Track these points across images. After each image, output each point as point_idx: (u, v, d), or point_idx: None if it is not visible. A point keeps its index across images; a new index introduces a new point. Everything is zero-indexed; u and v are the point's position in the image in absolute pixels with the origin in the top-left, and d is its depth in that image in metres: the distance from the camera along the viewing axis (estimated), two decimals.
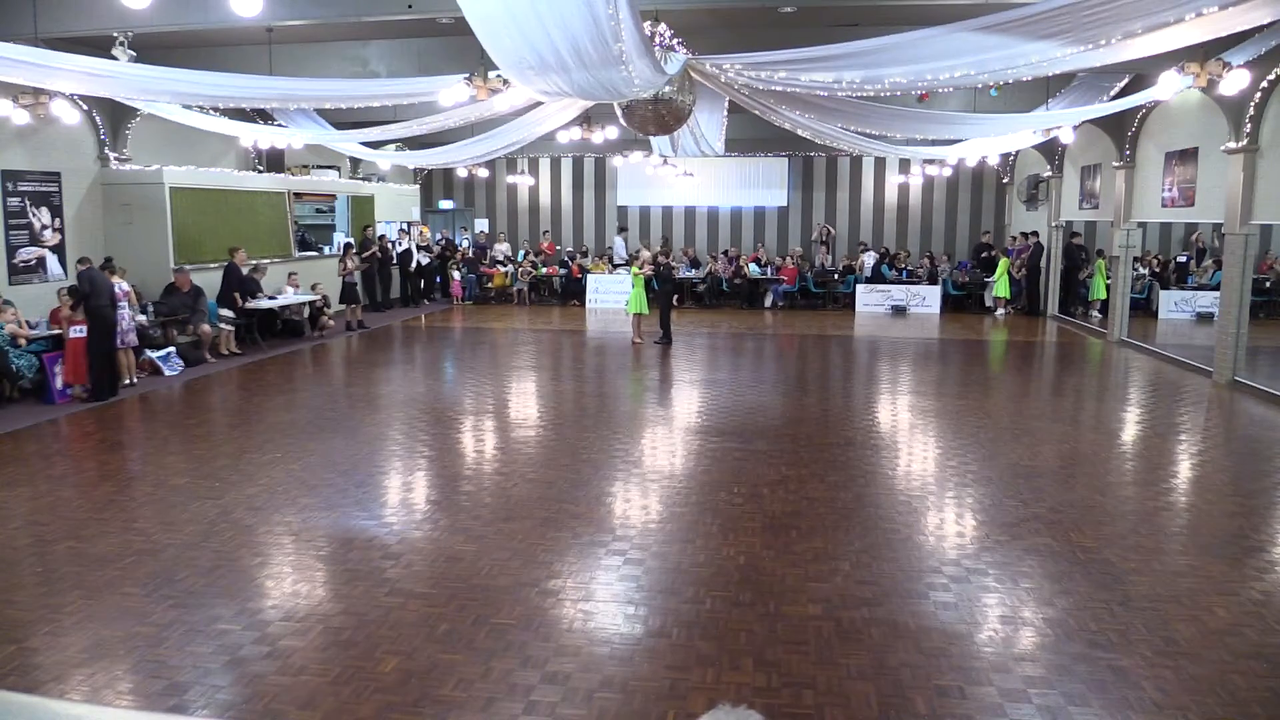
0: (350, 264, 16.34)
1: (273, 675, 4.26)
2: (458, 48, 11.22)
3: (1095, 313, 17.96)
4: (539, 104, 10.32)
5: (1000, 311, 19.03)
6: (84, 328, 10.23)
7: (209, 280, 13.52)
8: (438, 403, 10.60)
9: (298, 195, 17.15)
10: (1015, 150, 19.10)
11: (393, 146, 17.61)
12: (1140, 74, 12.02)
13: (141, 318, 11.88)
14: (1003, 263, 19.06)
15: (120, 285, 11.01)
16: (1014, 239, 20.14)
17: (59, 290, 11.17)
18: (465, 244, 22.53)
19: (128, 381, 11.01)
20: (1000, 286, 18.97)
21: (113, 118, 13.07)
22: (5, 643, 4.55)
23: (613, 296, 19.93)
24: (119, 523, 6.31)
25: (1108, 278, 17.31)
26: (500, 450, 8.50)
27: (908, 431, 9.37)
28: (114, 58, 9.13)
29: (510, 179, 23.73)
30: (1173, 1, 5.98)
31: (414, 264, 20.10)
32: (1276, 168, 10.63)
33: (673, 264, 17.15)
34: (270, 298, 14.32)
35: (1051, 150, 17.58)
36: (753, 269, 20.88)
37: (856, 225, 22.86)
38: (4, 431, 8.89)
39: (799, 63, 8.12)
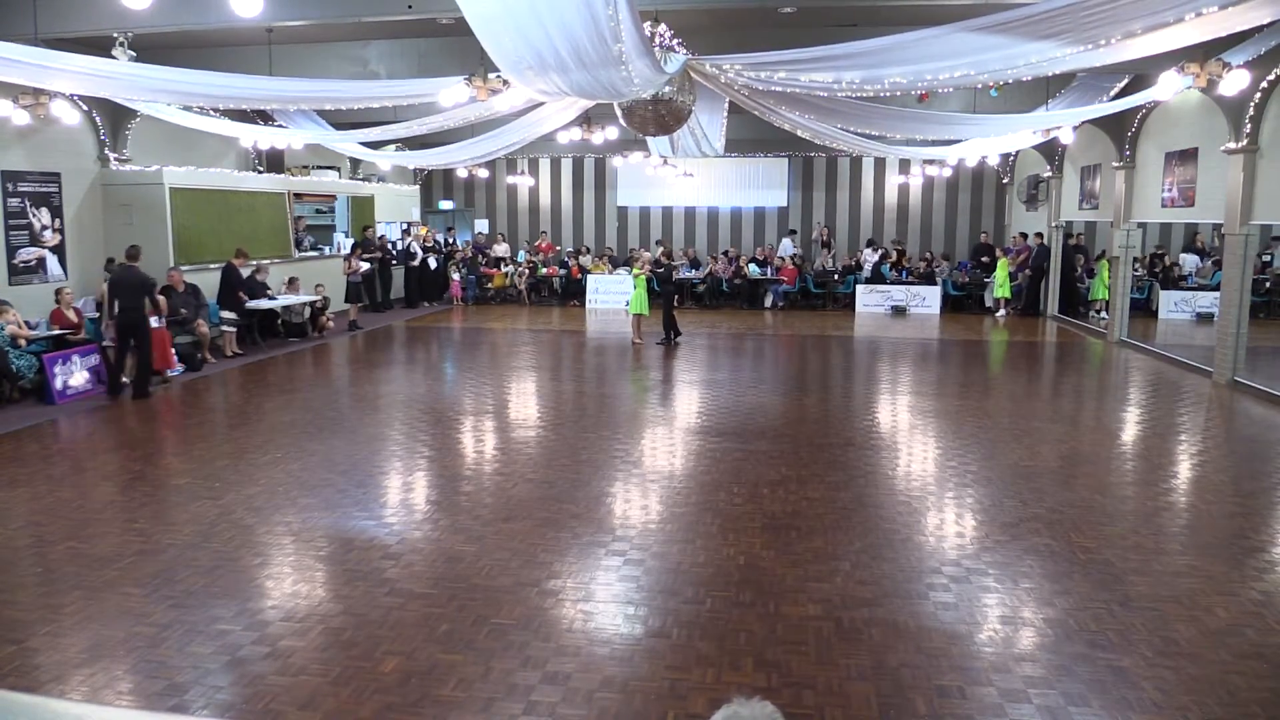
0: (354, 264, 16.35)
1: (273, 675, 4.26)
2: (458, 48, 11.23)
3: (1096, 313, 17.95)
4: (539, 104, 10.32)
5: (1001, 312, 19.02)
6: (161, 319, 10.99)
7: (209, 281, 13.52)
8: (438, 403, 10.60)
9: (298, 195, 17.15)
10: (1015, 150, 19.10)
11: (393, 147, 17.61)
12: (1140, 74, 12.02)
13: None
14: (1001, 263, 19.05)
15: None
16: (1015, 239, 20.16)
17: (58, 290, 11.20)
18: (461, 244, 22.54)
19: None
20: (1001, 287, 18.95)
21: (113, 118, 13.07)
22: (5, 643, 4.55)
23: (613, 297, 19.94)
24: (119, 523, 6.31)
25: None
26: (500, 450, 8.50)
27: (908, 432, 9.37)
28: (114, 58, 9.13)
29: (510, 179, 23.74)
30: (1173, 1, 5.98)
31: (414, 263, 20.10)
32: (1276, 167, 10.63)
33: (674, 264, 17.17)
34: (271, 298, 14.32)
35: (1051, 150, 17.58)
36: (752, 269, 20.88)
37: (857, 225, 22.86)
38: (4, 431, 8.89)
39: (799, 63, 8.13)
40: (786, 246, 21.88)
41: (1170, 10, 6.07)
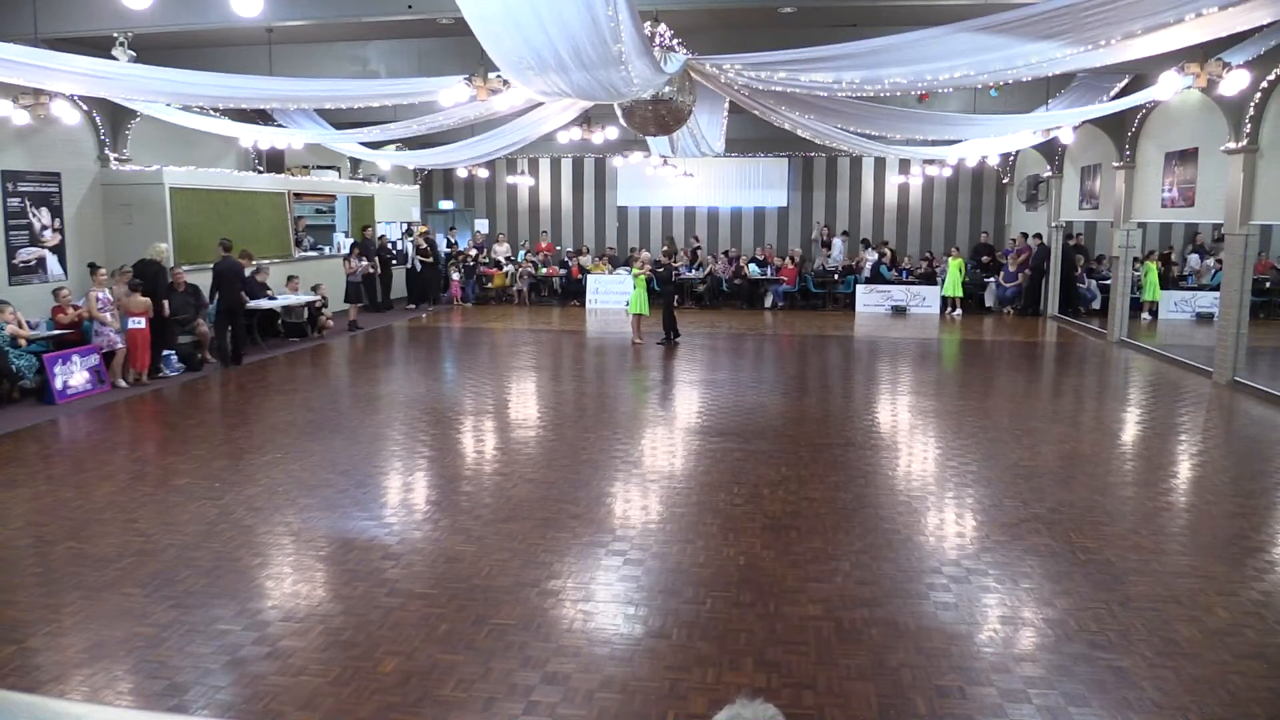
0: (355, 264, 16.36)
1: (273, 675, 4.26)
2: (458, 48, 11.23)
3: (1146, 315, 17.89)
4: (539, 104, 10.32)
5: (955, 311, 18.99)
6: (143, 319, 11.11)
7: (209, 281, 13.49)
8: (438, 403, 10.60)
9: (298, 195, 17.14)
10: (1015, 150, 19.10)
11: (393, 146, 17.60)
12: (1140, 74, 12.02)
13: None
14: (953, 263, 19.01)
15: (103, 294, 10.99)
16: (1015, 240, 20.16)
17: (56, 289, 11.17)
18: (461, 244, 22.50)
19: (122, 383, 11.01)
20: (951, 286, 18.95)
21: (113, 118, 13.07)
22: (5, 643, 4.55)
23: (613, 297, 19.94)
24: (119, 523, 6.31)
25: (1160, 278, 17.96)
26: (500, 451, 8.50)
27: (908, 432, 9.37)
28: (114, 58, 9.13)
29: (510, 179, 23.74)
30: (1173, 2, 5.98)
31: (410, 264, 20.04)
32: (1276, 167, 10.63)
33: (674, 265, 17.15)
34: (271, 298, 14.31)
35: (1051, 150, 17.58)
36: (752, 269, 20.87)
37: (857, 225, 22.86)
38: (4, 431, 8.89)
39: (799, 63, 8.12)
40: (838, 247, 21.71)
41: (1170, 10, 6.07)
